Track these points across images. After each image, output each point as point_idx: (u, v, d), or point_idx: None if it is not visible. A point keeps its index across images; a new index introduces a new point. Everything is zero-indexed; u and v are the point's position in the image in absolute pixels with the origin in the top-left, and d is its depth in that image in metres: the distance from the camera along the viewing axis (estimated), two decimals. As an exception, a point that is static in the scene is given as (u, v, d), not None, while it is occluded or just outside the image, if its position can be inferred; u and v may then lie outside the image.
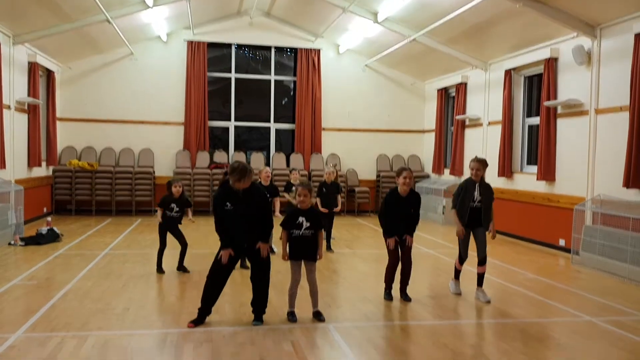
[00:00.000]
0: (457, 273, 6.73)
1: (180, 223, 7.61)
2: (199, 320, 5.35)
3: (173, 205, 7.47)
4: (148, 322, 5.41)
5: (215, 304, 5.42)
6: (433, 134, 15.29)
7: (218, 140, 15.80)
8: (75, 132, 14.38)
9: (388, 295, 6.46)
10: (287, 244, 5.55)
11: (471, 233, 6.52)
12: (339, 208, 9.47)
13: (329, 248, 9.44)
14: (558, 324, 5.69)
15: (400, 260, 6.38)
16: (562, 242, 9.83)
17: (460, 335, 5.27)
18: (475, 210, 6.41)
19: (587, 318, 5.85)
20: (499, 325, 5.62)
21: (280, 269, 7.98)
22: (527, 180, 11.04)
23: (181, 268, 7.55)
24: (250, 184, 5.31)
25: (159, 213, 7.51)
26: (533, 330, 5.44)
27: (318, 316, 5.56)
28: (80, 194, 13.91)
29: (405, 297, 6.42)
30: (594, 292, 6.95)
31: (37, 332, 4.99)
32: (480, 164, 6.44)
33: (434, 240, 10.95)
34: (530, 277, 7.82)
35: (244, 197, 5.27)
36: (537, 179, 10.40)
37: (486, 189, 6.48)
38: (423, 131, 16.23)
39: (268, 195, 8.52)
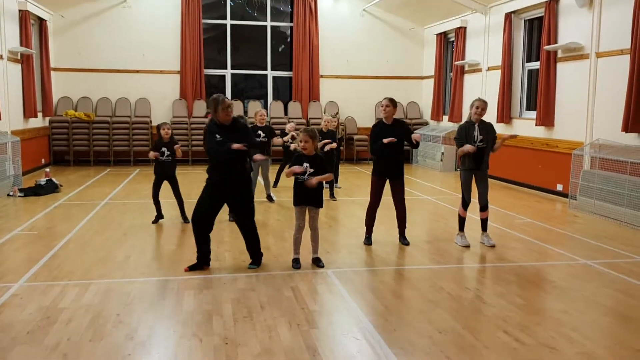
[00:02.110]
0: (462, 223, 6.58)
1: (174, 174, 7.49)
2: (197, 265, 5.46)
3: (164, 149, 7.38)
4: (149, 270, 5.48)
5: (214, 251, 5.47)
6: (432, 81, 15.11)
7: (215, 89, 15.60)
8: (70, 82, 14.20)
9: (367, 240, 6.54)
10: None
11: (473, 177, 6.50)
12: (334, 145, 9.29)
13: (332, 196, 9.46)
14: (554, 267, 5.77)
15: (394, 204, 6.44)
16: (559, 187, 9.87)
17: (456, 279, 5.35)
18: (477, 151, 6.30)
19: (583, 261, 5.92)
20: (495, 269, 5.69)
21: (279, 216, 8.05)
22: (526, 126, 10.98)
23: (184, 219, 7.56)
24: (234, 120, 5.39)
25: (152, 155, 7.36)
26: (529, 273, 5.52)
27: (317, 262, 5.63)
28: (77, 145, 13.86)
29: (403, 241, 6.51)
30: (590, 236, 7.02)
31: (39, 281, 5.06)
32: (485, 103, 6.40)
33: (432, 187, 10.99)
34: (527, 221, 7.88)
35: (230, 130, 5.31)
36: (536, 125, 10.35)
37: (487, 129, 6.40)
38: (422, 77, 16.04)
39: (264, 135, 8.53)
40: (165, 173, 7.49)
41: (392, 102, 6.34)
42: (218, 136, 5.28)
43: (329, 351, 3.69)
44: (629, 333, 4.07)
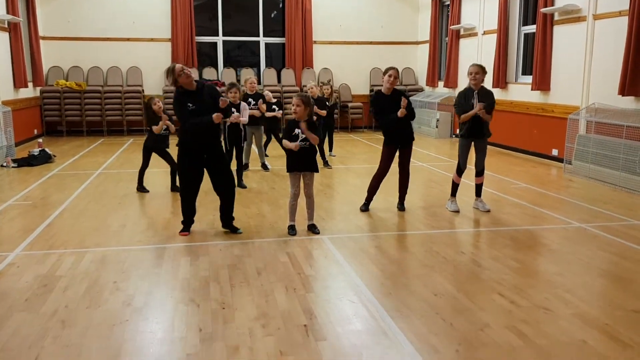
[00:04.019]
0: (455, 189, 6.58)
1: (168, 146, 7.44)
2: (187, 227, 5.58)
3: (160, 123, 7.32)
4: (145, 238, 5.47)
5: (209, 220, 5.46)
6: (427, 46, 14.95)
7: (207, 56, 15.41)
8: (60, 51, 13.97)
9: (365, 207, 6.54)
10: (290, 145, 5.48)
11: (472, 144, 6.47)
12: (323, 112, 9.32)
13: (326, 164, 9.44)
14: (548, 230, 5.80)
15: (398, 170, 6.43)
16: (555, 152, 9.87)
17: (451, 243, 5.37)
18: (476, 119, 6.24)
19: (577, 224, 5.95)
20: (490, 233, 5.72)
21: (274, 185, 8.04)
22: (521, 91, 10.92)
23: (175, 189, 7.54)
24: (201, 85, 5.35)
25: (157, 128, 7.22)
26: (524, 237, 5.54)
27: (313, 228, 5.63)
28: (70, 115, 13.72)
29: (400, 207, 6.53)
30: (585, 200, 7.04)
31: (35, 250, 5.06)
32: (479, 68, 6.26)
33: (428, 154, 10.98)
34: (522, 186, 7.90)
35: (199, 96, 5.26)
36: (532, 89, 10.29)
37: (486, 96, 6.32)
38: (417, 43, 15.85)
39: (254, 103, 8.46)
40: (158, 146, 7.42)
41: (398, 73, 6.27)
42: (191, 105, 5.23)
43: (324, 314, 3.72)
44: (623, 294, 4.11)
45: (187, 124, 5.26)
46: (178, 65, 5.25)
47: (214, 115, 5.19)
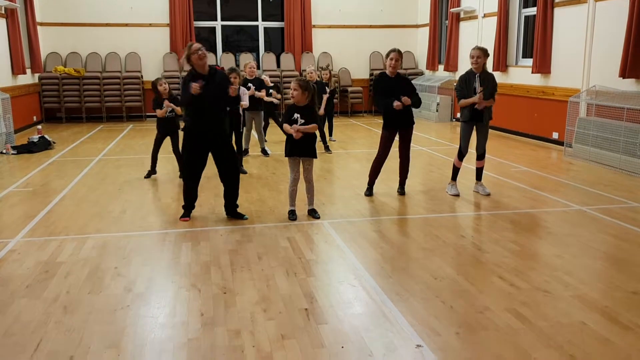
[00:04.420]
0: (455, 173, 6.56)
1: (177, 129, 7.36)
2: (187, 212, 5.60)
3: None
4: (146, 223, 5.48)
5: (211, 205, 5.47)
6: (427, 29, 14.84)
7: (205, 41, 15.31)
8: (58, 38, 13.88)
9: (369, 192, 6.54)
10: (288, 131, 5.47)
11: (474, 128, 6.44)
12: (320, 111, 9.18)
13: (326, 149, 9.42)
14: (549, 213, 5.80)
15: (399, 154, 6.41)
16: (555, 135, 9.85)
17: (451, 227, 5.38)
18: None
19: (577, 207, 5.96)
20: (490, 216, 5.72)
21: (274, 170, 8.04)
22: (522, 74, 10.87)
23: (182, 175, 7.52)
24: (213, 70, 5.32)
25: (161, 112, 7.18)
26: (524, 220, 5.55)
27: (313, 213, 5.64)
28: (69, 101, 13.67)
29: (400, 191, 6.53)
30: (585, 183, 7.04)
31: (36, 237, 5.07)
32: (481, 51, 6.21)
33: (428, 138, 10.96)
34: (522, 170, 7.89)
35: (209, 82, 5.22)
36: (532, 72, 10.25)
37: (488, 79, 6.28)
38: (417, 26, 15.74)
39: (254, 88, 8.42)
40: (168, 129, 7.38)
41: (401, 55, 6.21)
42: None
43: (325, 298, 3.74)
44: (622, 276, 4.12)
45: (181, 100, 5.29)
46: (196, 44, 5.24)
47: (193, 85, 5.07)
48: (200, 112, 5.26)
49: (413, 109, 6.32)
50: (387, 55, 6.19)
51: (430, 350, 3.06)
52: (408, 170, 6.55)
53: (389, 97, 6.10)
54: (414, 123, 6.41)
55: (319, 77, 9.69)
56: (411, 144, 6.49)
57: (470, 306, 3.61)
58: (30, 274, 4.18)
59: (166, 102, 7.16)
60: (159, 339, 3.22)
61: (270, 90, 9.05)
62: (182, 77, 5.39)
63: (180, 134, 7.33)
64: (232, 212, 5.62)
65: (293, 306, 3.61)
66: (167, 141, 7.45)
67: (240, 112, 7.65)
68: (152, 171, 7.51)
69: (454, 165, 6.59)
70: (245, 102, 7.63)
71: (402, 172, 6.56)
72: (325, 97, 9.41)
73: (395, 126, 6.30)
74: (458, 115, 6.59)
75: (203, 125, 5.30)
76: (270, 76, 13.27)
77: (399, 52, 6.17)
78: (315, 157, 5.55)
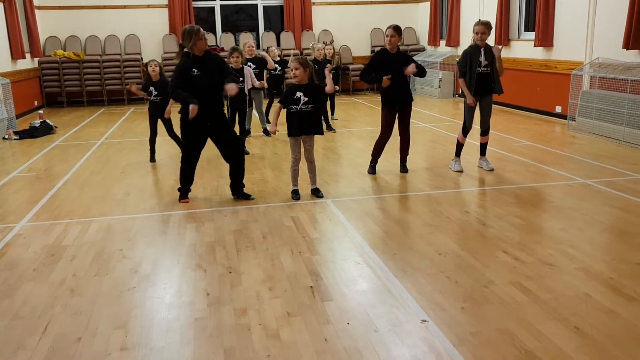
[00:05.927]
0: (459, 149, 6.53)
1: (161, 113, 7.21)
2: (184, 194, 5.59)
3: (151, 89, 7.17)
4: (150, 206, 5.50)
5: (214, 186, 5.47)
6: (428, 4, 14.67)
7: (205, 22, 15.19)
8: (56, 21, 13.78)
9: (372, 169, 6.53)
10: (277, 119, 5.44)
11: (478, 104, 6.39)
12: (329, 88, 9.09)
13: (329, 128, 9.37)
14: (553, 187, 5.79)
15: (399, 132, 6.38)
16: (558, 109, 9.78)
17: (455, 203, 5.37)
18: (482, 77, 6.16)
19: (582, 180, 5.94)
20: (494, 191, 5.71)
21: (276, 150, 8.03)
22: (524, 48, 10.76)
23: None
24: (207, 52, 5.25)
25: (134, 87, 7.16)
26: (528, 194, 5.54)
27: (316, 192, 5.63)
28: (69, 85, 13.63)
29: (403, 169, 6.52)
30: (589, 156, 7.01)
31: (41, 221, 5.09)
32: (485, 26, 6.15)
33: (430, 114, 10.90)
34: (526, 144, 7.86)
35: (205, 64, 5.18)
36: (535, 46, 10.14)
37: (493, 53, 6.22)
38: (417, 1, 15.56)
39: (254, 67, 8.31)
40: (156, 112, 7.29)
41: (397, 32, 6.08)
42: (195, 70, 5.14)
43: (330, 275, 3.75)
44: (627, 248, 4.12)
45: (172, 90, 5.21)
46: (201, 28, 5.17)
47: (192, 108, 5.06)
48: (200, 97, 5.20)
49: (415, 84, 6.27)
50: (385, 31, 6.15)
51: (436, 325, 3.08)
52: (408, 148, 6.52)
53: (385, 73, 6.06)
54: (412, 100, 6.37)
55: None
56: (412, 121, 6.45)
57: (475, 281, 3.62)
58: (36, 258, 4.20)
59: (134, 88, 7.09)
60: (166, 319, 3.25)
61: (276, 65, 8.97)
62: (179, 63, 5.26)
63: (173, 115, 7.35)
64: (239, 192, 5.61)
65: (298, 284, 3.63)
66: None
67: (246, 91, 7.57)
68: (152, 158, 7.45)
69: (457, 141, 6.56)
70: (256, 82, 7.63)
71: (402, 151, 6.52)
72: (327, 70, 9.28)
73: (393, 104, 6.26)
74: (460, 91, 6.53)
75: (199, 112, 5.20)
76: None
77: (395, 27, 6.08)
78: (322, 134, 5.53)
